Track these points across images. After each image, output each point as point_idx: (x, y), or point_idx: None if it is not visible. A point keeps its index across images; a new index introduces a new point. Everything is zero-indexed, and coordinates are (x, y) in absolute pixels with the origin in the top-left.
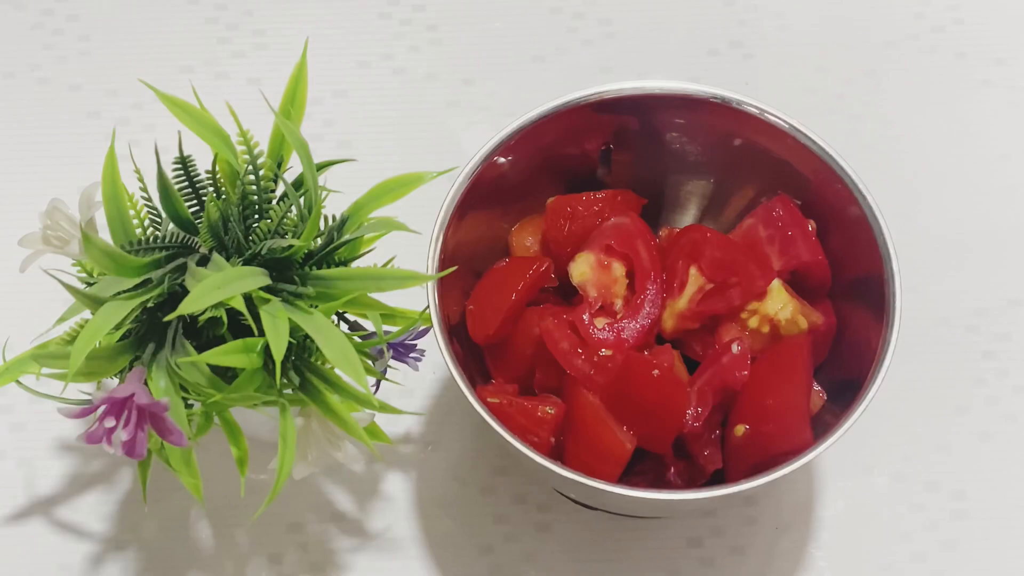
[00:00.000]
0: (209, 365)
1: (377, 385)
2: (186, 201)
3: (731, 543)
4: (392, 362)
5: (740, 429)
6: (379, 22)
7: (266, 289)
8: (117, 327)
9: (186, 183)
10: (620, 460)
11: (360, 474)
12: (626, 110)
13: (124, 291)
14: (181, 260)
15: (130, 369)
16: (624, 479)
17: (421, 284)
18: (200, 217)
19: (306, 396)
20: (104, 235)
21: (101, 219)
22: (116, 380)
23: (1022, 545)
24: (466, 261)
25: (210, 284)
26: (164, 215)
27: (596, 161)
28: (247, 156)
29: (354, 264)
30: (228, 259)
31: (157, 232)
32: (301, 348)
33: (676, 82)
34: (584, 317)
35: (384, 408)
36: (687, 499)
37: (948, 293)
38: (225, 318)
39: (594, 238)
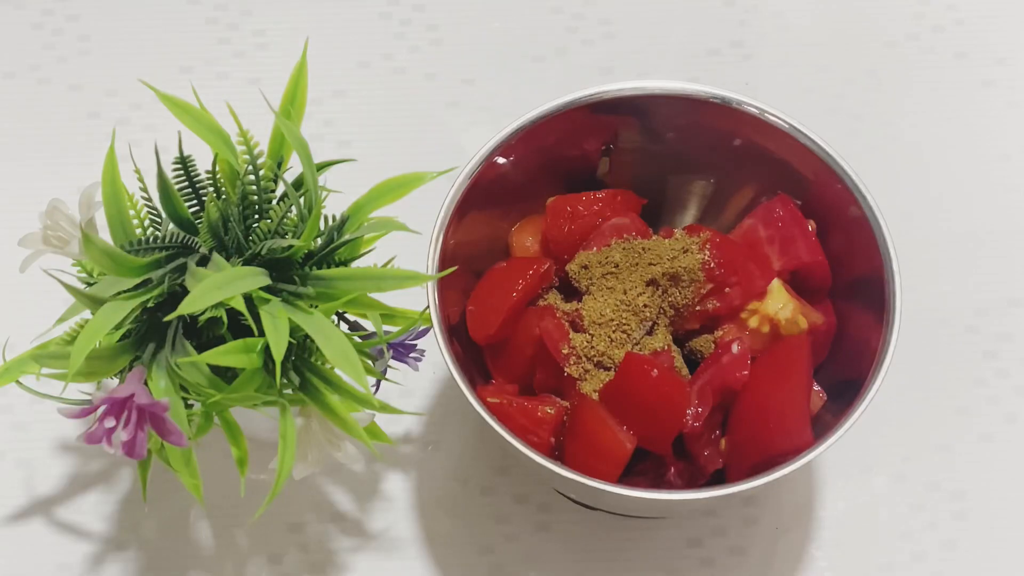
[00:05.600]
0: (209, 365)
1: (377, 385)
2: (186, 201)
3: (731, 543)
4: (392, 362)
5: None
6: (379, 22)
7: (266, 289)
8: (117, 327)
9: (186, 183)
10: (620, 460)
11: (360, 474)
12: (626, 110)
13: (124, 291)
14: (181, 260)
15: (130, 369)
16: (624, 479)
17: (421, 284)
18: (200, 217)
19: (306, 396)
20: (104, 235)
21: (101, 219)
22: (116, 380)
23: (1022, 545)
24: (466, 261)
25: (210, 284)
26: (164, 215)
27: (596, 161)
28: (247, 156)
29: (354, 264)
30: (228, 259)
31: (157, 232)
32: (301, 348)
33: (676, 82)
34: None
35: (384, 408)
36: (687, 499)
37: (948, 293)
38: (225, 318)
39: (594, 238)
